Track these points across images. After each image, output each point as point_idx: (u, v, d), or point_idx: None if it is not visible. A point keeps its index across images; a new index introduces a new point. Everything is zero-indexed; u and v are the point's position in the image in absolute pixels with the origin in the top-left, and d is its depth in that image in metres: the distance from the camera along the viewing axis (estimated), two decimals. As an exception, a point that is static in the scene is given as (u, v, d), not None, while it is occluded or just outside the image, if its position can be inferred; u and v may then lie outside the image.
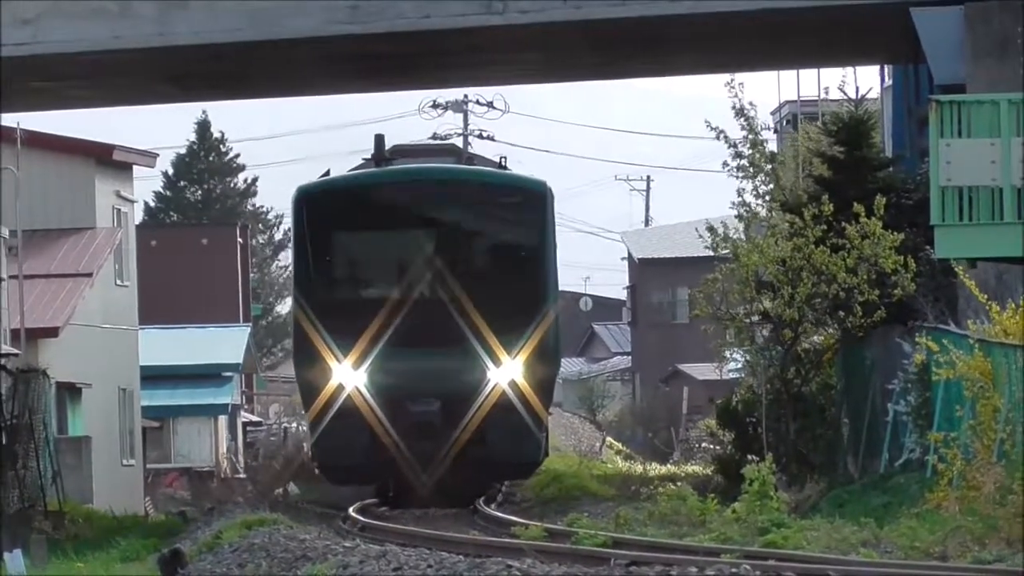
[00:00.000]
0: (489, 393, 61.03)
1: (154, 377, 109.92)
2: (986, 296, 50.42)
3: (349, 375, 61.48)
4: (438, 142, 70.73)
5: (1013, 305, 48.67)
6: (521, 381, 61.32)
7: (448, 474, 60.05)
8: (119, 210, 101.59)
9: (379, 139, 67.61)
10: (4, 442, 69.75)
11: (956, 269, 53.02)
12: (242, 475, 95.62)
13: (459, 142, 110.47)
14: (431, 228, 64.38)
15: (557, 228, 67.84)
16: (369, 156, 68.49)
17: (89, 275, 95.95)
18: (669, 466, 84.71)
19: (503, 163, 69.29)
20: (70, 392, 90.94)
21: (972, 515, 42.26)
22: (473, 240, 65.69)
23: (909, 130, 70.28)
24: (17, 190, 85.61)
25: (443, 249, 63.03)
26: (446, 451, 60.38)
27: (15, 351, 76.85)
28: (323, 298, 64.24)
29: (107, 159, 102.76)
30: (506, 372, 61.28)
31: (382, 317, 61.68)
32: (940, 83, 59.68)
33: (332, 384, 61.63)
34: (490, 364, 61.24)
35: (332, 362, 61.80)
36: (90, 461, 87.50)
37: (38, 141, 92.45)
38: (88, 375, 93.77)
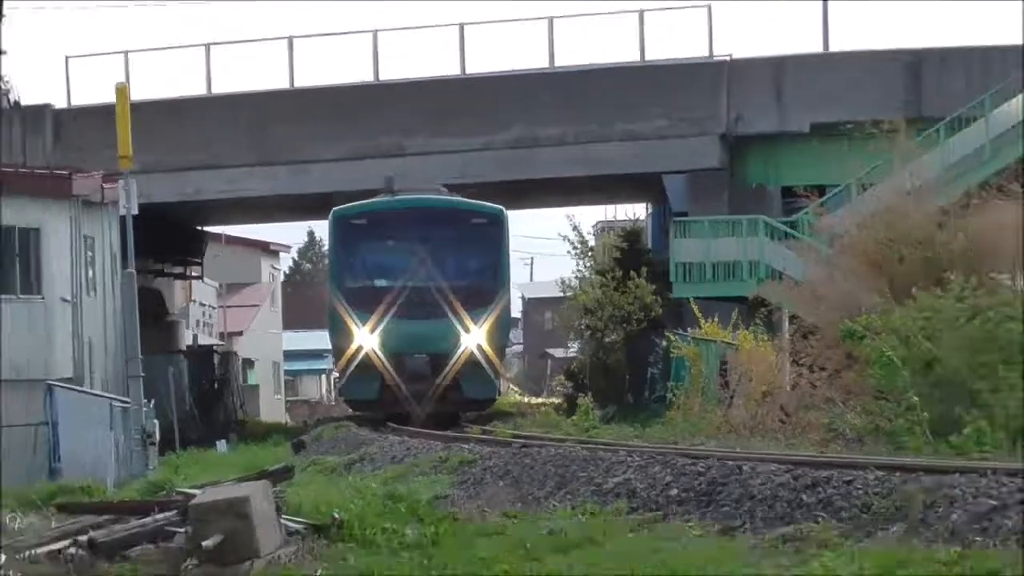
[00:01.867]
0: (462, 352, 66.42)
1: (291, 355, 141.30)
2: (701, 315, 66.46)
3: (367, 338, 66.90)
4: (427, 184, 72.40)
5: (710, 321, 65.47)
6: (484, 344, 67.04)
7: (434, 407, 65.05)
8: (272, 273, 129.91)
9: (389, 179, 71.55)
10: (218, 388, 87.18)
11: (690, 303, 68.56)
12: (335, 404, 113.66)
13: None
14: (424, 239, 67.10)
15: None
16: (382, 190, 71.36)
17: (257, 305, 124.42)
18: (542, 399, 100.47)
19: (473, 195, 71.46)
20: (248, 363, 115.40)
21: (686, 421, 56.59)
22: (452, 247, 68.26)
23: (662, 235, 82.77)
24: (222, 264, 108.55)
25: (432, 253, 67.07)
26: (432, 392, 65.81)
27: (222, 343, 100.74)
28: (350, 286, 68.84)
29: (266, 248, 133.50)
30: (474, 338, 66.86)
31: (389, 300, 66.49)
32: (675, 211, 77.62)
33: (354, 345, 66.92)
34: (463, 332, 66.70)
35: (355, 329, 67.11)
36: (258, 397, 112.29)
37: (231, 240, 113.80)
38: (258, 354, 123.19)
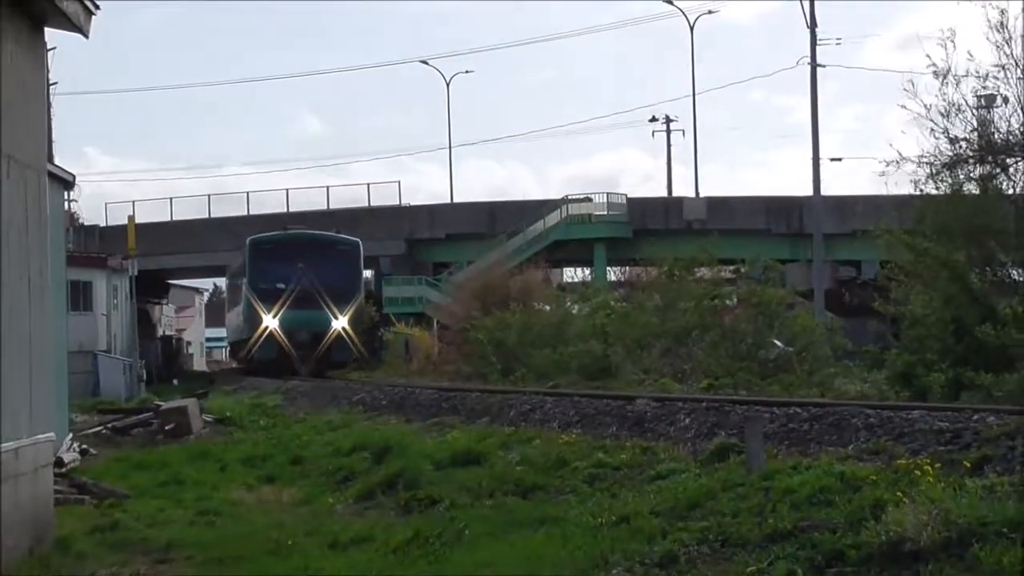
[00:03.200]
0: (333, 331, 53.21)
1: (209, 339, 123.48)
2: (398, 321, 58.18)
3: (271, 321, 53.49)
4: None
5: (402, 323, 57.78)
6: (347, 326, 53.67)
7: (315, 366, 52.18)
8: (199, 302, 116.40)
9: (285, 225, 59.94)
10: (174, 354, 78.80)
11: (391, 316, 60.63)
12: (230, 362, 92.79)
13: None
14: (309, 258, 53.51)
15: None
16: (281, 228, 59.68)
17: (193, 316, 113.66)
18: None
19: (339, 231, 58.38)
20: (188, 343, 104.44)
21: (391, 370, 50.33)
22: (327, 264, 53.83)
23: (379, 284, 69.81)
24: (176, 297, 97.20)
25: (314, 268, 53.17)
26: (314, 356, 53.08)
27: (176, 334, 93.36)
28: (261, 288, 54.08)
29: (197, 290, 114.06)
30: (340, 323, 53.42)
31: (285, 296, 53.25)
32: (386, 273, 69.84)
33: (263, 325, 53.44)
34: (333, 318, 53.24)
35: (264, 315, 53.45)
36: (193, 359, 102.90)
37: (181, 287, 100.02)
38: (193, 339, 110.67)
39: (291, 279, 53.38)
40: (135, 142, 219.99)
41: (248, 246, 55.42)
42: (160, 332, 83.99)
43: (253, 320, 54.29)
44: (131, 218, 51.53)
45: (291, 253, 53.93)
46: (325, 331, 53.13)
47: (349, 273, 55.28)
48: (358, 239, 57.38)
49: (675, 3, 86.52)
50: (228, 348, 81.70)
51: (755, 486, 13.48)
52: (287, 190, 76.73)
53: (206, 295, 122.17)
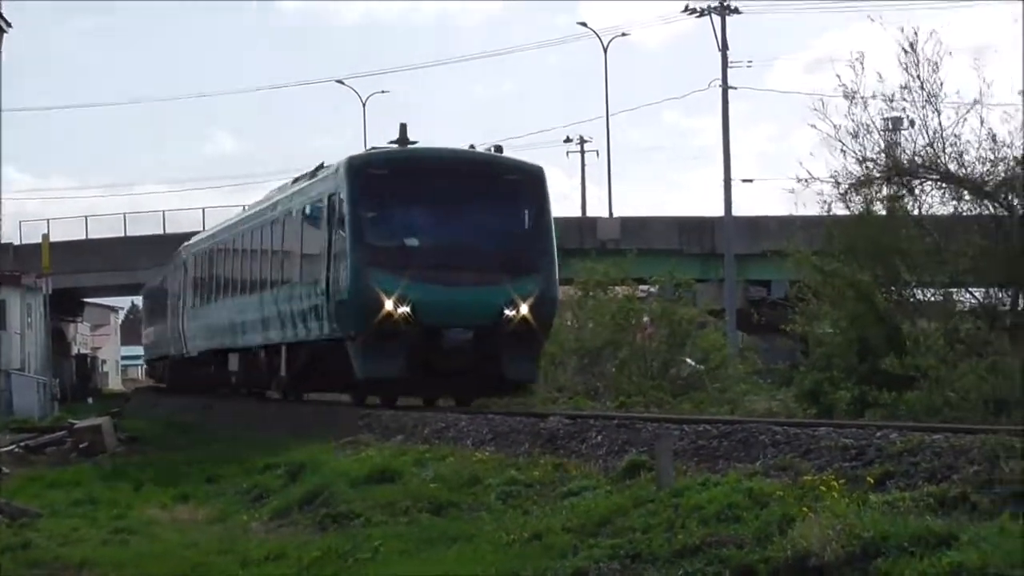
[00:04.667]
0: (510, 322, 27.26)
1: (125, 357, 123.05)
2: None
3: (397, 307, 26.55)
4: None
5: None
6: (529, 316, 27.27)
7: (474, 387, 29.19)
8: (115, 320, 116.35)
9: (403, 127, 30.65)
10: (88, 373, 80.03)
11: None
12: (147, 380, 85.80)
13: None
14: (461, 194, 27.95)
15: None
16: (395, 140, 30.65)
17: (109, 335, 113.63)
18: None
19: (501, 149, 30.04)
20: (104, 362, 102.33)
21: None
22: (494, 205, 28.48)
23: None
24: (91, 316, 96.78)
25: (471, 211, 28.26)
26: (473, 371, 28.02)
27: (91, 352, 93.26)
28: (375, 246, 27.38)
29: (113, 308, 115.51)
30: (521, 310, 27.24)
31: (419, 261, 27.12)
32: None
33: (383, 313, 26.81)
34: (508, 305, 27.21)
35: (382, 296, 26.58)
36: (108, 378, 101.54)
37: (96, 305, 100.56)
38: (108, 357, 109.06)
39: (430, 231, 28.63)
40: (52, 160, 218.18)
41: (346, 170, 28.83)
42: (75, 350, 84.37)
43: (359, 305, 27.75)
44: (45, 236, 51.27)
45: (429, 185, 28.88)
46: (496, 324, 27.98)
47: (533, 222, 29.56)
48: (540, 165, 30.72)
49: (589, 25, 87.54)
50: (145, 366, 78.21)
51: (665, 502, 13.48)
52: (203, 208, 77.13)
53: (122, 313, 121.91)
